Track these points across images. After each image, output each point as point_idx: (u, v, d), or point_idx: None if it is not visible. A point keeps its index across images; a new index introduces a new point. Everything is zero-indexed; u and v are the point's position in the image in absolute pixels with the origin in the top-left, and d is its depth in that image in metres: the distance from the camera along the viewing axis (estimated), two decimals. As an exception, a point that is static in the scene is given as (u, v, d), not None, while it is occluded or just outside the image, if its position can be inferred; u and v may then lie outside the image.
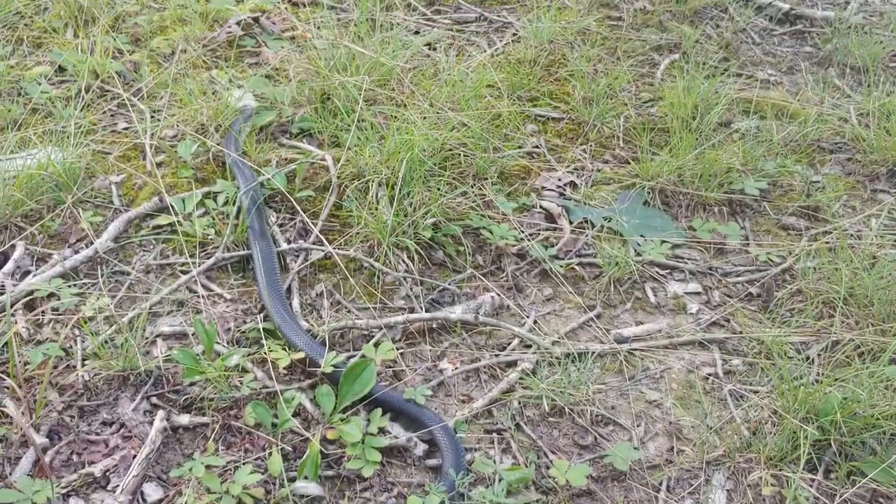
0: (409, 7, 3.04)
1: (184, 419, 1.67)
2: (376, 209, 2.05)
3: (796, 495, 1.60)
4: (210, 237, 2.02)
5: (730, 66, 2.89)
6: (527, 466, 1.63)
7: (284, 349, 1.76)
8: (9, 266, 1.93)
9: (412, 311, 1.92)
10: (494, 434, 1.70)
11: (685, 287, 2.08)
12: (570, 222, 2.21)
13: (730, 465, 1.68)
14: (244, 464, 1.59)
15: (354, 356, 1.78)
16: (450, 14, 3.07)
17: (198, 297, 1.91)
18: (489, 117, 2.40)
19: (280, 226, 2.09)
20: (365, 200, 2.09)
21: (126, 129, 2.35)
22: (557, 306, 2.01)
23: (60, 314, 1.84)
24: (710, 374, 1.87)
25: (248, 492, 1.53)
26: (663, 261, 2.13)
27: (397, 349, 1.82)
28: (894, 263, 2.05)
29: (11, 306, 1.83)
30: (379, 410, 1.68)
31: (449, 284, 2.00)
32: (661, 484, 1.66)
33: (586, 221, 2.22)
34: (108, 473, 1.57)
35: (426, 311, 1.92)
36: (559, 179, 2.34)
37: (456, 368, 1.81)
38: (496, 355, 1.86)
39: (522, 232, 2.15)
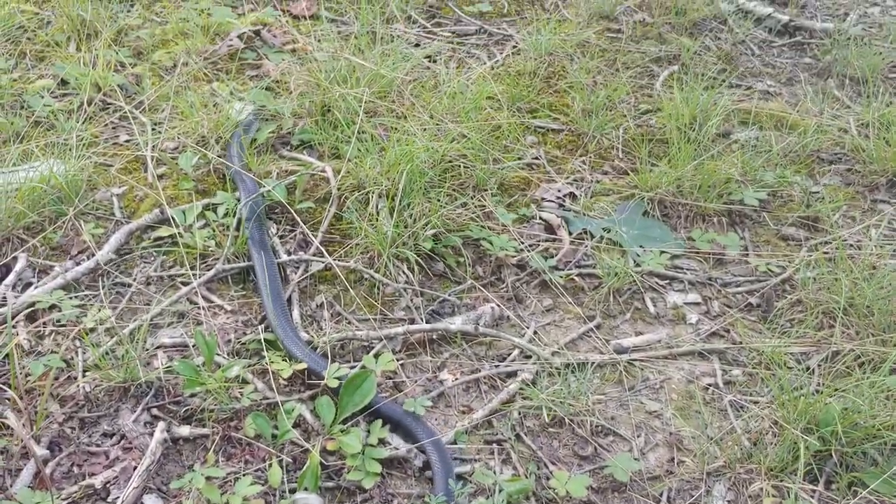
0: (409, 20, 3.06)
1: (184, 430, 1.67)
2: (376, 220, 2.06)
3: (796, 505, 1.60)
4: (210, 249, 2.03)
5: (729, 77, 2.89)
6: (527, 477, 1.64)
7: (286, 360, 1.77)
8: (11, 278, 1.94)
9: (412, 322, 1.93)
10: (494, 445, 1.70)
11: (685, 297, 2.09)
12: (570, 233, 2.21)
13: (730, 476, 1.68)
14: (244, 475, 1.59)
15: (355, 367, 1.78)
16: (450, 27, 3.08)
17: (198, 308, 1.91)
18: (489, 129, 2.41)
19: (280, 237, 2.10)
20: (365, 212, 2.10)
21: (128, 141, 2.36)
22: (557, 317, 2.01)
23: (62, 326, 1.85)
24: (710, 385, 1.88)
25: (249, 503, 1.53)
26: (663, 271, 2.13)
27: (398, 360, 1.83)
28: (894, 274, 2.06)
29: (13, 318, 1.84)
30: (379, 422, 1.68)
31: (449, 295, 2.00)
32: (661, 495, 1.66)
33: (586, 232, 2.22)
34: (108, 485, 1.57)
35: (426, 323, 1.92)
36: (559, 190, 2.35)
37: (456, 379, 1.82)
38: (496, 366, 1.86)
39: (522, 243, 2.15)
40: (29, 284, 1.95)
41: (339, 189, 2.18)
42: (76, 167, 2.17)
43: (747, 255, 2.21)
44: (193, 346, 1.82)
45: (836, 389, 1.75)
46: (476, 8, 3.18)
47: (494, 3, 3.23)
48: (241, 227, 2.04)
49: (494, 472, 1.64)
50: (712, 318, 2.04)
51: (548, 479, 1.65)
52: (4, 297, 1.88)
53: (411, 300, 1.98)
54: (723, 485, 1.67)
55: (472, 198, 2.21)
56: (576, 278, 2.10)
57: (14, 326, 1.83)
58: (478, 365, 1.86)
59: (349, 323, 1.92)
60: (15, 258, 1.99)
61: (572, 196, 2.35)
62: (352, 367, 1.78)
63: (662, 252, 2.17)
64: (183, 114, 2.38)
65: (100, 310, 1.88)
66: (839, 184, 2.49)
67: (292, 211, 2.11)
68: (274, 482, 1.57)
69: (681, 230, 2.28)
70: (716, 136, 2.53)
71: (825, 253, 2.18)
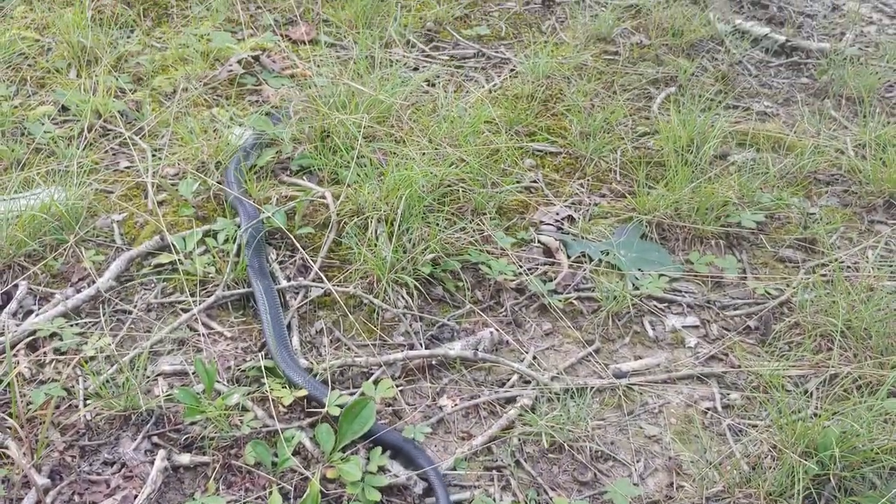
0: (407, 44, 3.08)
1: (185, 459, 1.68)
2: (375, 245, 2.07)
3: (796, 530, 1.61)
4: (210, 275, 2.04)
5: (726, 98, 2.91)
6: None
7: (285, 387, 1.78)
8: (12, 306, 1.95)
9: (411, 347, 1.93)
10: (494, 471, 1.71)
11: (683, 321, 2.09)
12: (568, 256, 2.22)
13: (730, 501, 1.68)
14: (245, 503, 1.59)
15: (355, 394, 1.79)
16: (448, 50, 3.10)
17: (198, 335, 1.92)
18: (487, 153, 2.42)
19: (280, 263, 2.11)
20: (364, 237, 2.11)
21: (128, 167, 2.38)
22: (556, 341, 2.02)
23: (62, 354, 1.86)
24: (708, 409, 1.88)
25: (249, 532, 1.54)
26: (661, 294, 2.14)
27: (397, 386, 1.83)
28: (891, 296, 2.07)
29: (14, 346, 1.85)
30: (379, 449, 1.69)
31: (448, 320, 2.01)
32: (660, 520, 1.66)
33: (584, 255, 2.23)
34: (109, 514, 1.57)
35: (425, 348, 1.93)
36: (557, 214, 2.36)
37: (456, 405, 1.82)
38: (496, 392, 1.87)
39: (521, 267, 2.16)
40: (30, 312, 1.96)
41: (338, 214, 2.19)
42: (77, 194, 2.18)
43: (745, 277, 2.22)
44: (193, 374, 1.83)
45: (834, 413, 1.76)
46: (474, 31, 3.20)
47: (492, 26, 3.25)
48: (241, 254, 2.05)
49: (494, 500, 1.64)
50: (711, 342, 2.05)
51: (547, 505, 1.65)
52: (5, 325, 1.89)
53: (410, 325, 1.98)
54: (722, 510, 1.68)
55: (470, 222, 2.22)
56: (574, 302, 2.11)
57: (15, 355, 1.84)
58: (477, 390, 1.87)
59: (348, 349, 1.93)
60: (16, 286, 2.00)
61: (570, 219, 2.36)
62: (351, 394, 1.79)
63: (661, 275, 2.18)
64: (183, 140, 2.39)
65: (100, 337, 1.88)
66: (836, 205, 2.50)
67: (292, 237, 2.12)
68: (274, 510, 1.58)
69: (679, 253, 2.29)
70: (713, 157, 2.55)
71: (823, 275, 2.19)
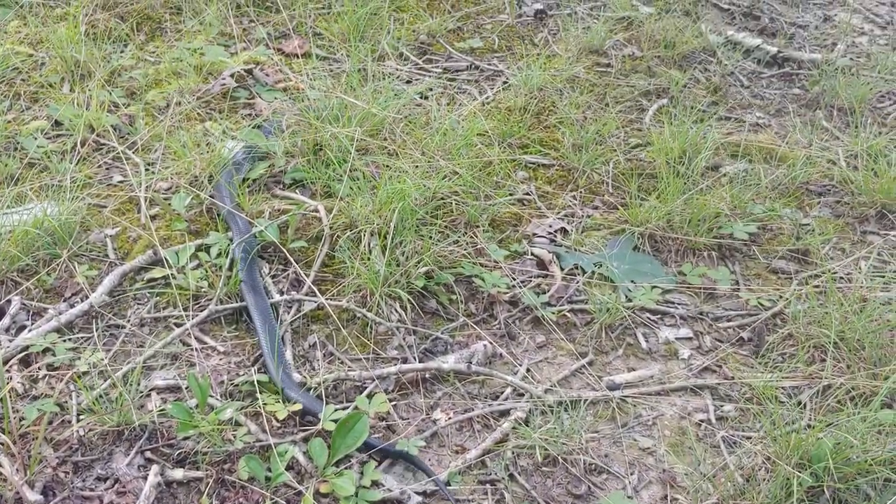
0: (400, 57, 3.08)
1: (178, 474, 1.67)
2: (368, 259, 2.07)
3: (790, 543, 1.60)
4: (203, 290, 2.03)
5: (718, 109, 2.92)
6: (520, 517, 1.64)
7: (279, 402, 1.77)
8: (5, 321, 1.95)
9: (405, 361, 1.93)
10: (488, 485, 1.71)
11: (676, 332, 2.10)
12: (562, 269, 2.23)
13: (723, 513, 1.68)
14: (238, 519, 1.59)
15: (348, 408, 1.79)
16: (441, 63, 3.11)
17: (191, 350, 1.92)
18: (480, 165, 2.43)
19: (273, 277, 2.11)
20: (357, 250, 2.11)
21: (121, 182, 2.38)
22: (550, 353, 2.02)
23: (56, 369, 1.85)
24: (702, 420, 1.88)
25: (242, 547, 1.53)
26: (654, 306, 2.14)
27: (390, 400, 1.83)
28: (884, 306, 2.07)
29: (7, 362, 1.85)
30: (373, 464, 1.69)
31: (442, 333, 2.01)
32: (655, 533, 1.66)
33: (577, 268, 2.23)
34: (101, 531, 1.57)
35: (419, 361, 1.93)
36: (550, 226, 2.37)
37: (449, 419, 1.82)
38: (489, 405, 1.87)
39: (514, 279, 2.17)
40: (23, 327, 1.96)
41: (331, 228, 2.19)
42: (70, 209, 2.18)
43: (738, 289, 2.23)
44: (187, 388, 1.82)
45: (828, 424, 1.76)
46: (467, 44, 3.21)
47: (485, 39, 3.26)
48: (234, 268, 2.05)
49: (488, 513, 1.64)
50: (704, 353, 2.05)
51: (541, 518, 1.65)
52: (-2, 341, 1.89)
53: (404, 339, 1.98)
54: (716, 522, 1.68)
55: (463, 235, 2.22)
56: (568, 314, 2.11)
57: (8, 370, 1.83)
58: (471, 404, 1.87)
59: (342, 363, 1.93)
60: (9, 301, 2.00)
61: (563, 231, 2.36)
62: (345, 408, 1.78)
63: (654, 287, 2.18)
64: (176, 154, 2.39)
65: (93, 352, 1.88)
66: (829, 216, 2.51)
67: (284, 250, 2.12)
68: (267, 526, 1.57)
69: (671, 264, 2.29)
70: (705, 169, 2.55)
71: (816, 286, 2.19)
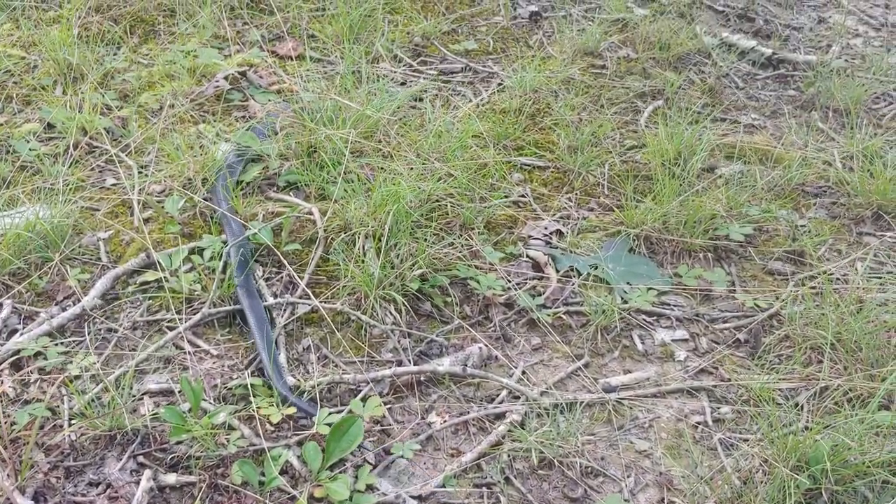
0: (395, 59, 3.07)
1: (171, 478, 1.66)
2: (363, 262, 2.06)
3: (788, 545, 1.59)
4: (196, 293, 2.02)
5: (713, 111, 2.91)
6: (516, 521, 1.63)
7: (273, 405, 1.76)
8: (-4, 325, 1.94)
9: (400, 364, 1.92)
10: (484, 488, 1.69)
11: (672, 334, 2.09)
12: (557, 271, 2.21)
13: (721, 516, 1.67)
14: (231, 523, 1.58)
15: (343, 411, 1.77)
16: (436, 65, 3.10)
17: (184, 353, 1.90)
18: (475, 167, 2.42)
19: (266, 280, 2.10)
20: (352, 253, 2.09)
21: (114, 185, 2.36)
22: (546, 356, 2.01)
23: (47, 373, 1.84)
24: (699, 423, 1.87)
25: (235, 552, 1.52)
26: (650, 308, 2.13)
27: (385, 403, 1.82)
28: (881, 307, 2.06)
29: (-2, 366, 1.83)
30: (367, 468, 1.67)
31: (437, 336, 2.00)
32: (651, 536, 1.65)
33: (573, 270, 2.22)
34: (93, 536, 1.55)
35: (414, 364, 1.92)
36: (545, 228, 2.36)
37: (445, 422, 1.81)
38: (485, 407, 1.85)
39: (509, 281, 2.16)
40: (14, 331, 1.94)
41: (325, 230, 2.18)
42: (62, 212, 2.16)
43: (734, 290, 2.22)
44: (179, 392, 1.81)
45: (825, 426, 1.75)
46: (461, 46, 3.20)
47: (480, 41, 3.26)
48: (228, 271, 2.04)
49: (483, 517, 1.63)
50: (700, 355, 2.04)
51: (537, 522, 1.64)
52: (-11, 345, 1.87)
53: (399, 342, 1.97)
54: (713, 525, 1.67)
55: (458, 237, 2.21)
56: (563, 316, 2.10)
57: (-1, 375, 1.82)
58: (466, 407, 1.85)
59: (336, 366, 1.91)
60: (0, 305, 1.98)
61: (559, 233, 2.35)
62: (339, 412, 1.77)
63: (649, 289, 2.17)
64: (169, 156, 2.38)
65: (85, 356, 1.87)
66: (825, 217, 2.50)
67: (279, 253, 2.11)
68: (261, 530, 1.56)
69: (667, 266, 2.28)
70: (701, 171, 2.55)
71: (812, 288, 2.18)
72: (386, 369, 1.88)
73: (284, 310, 2.01)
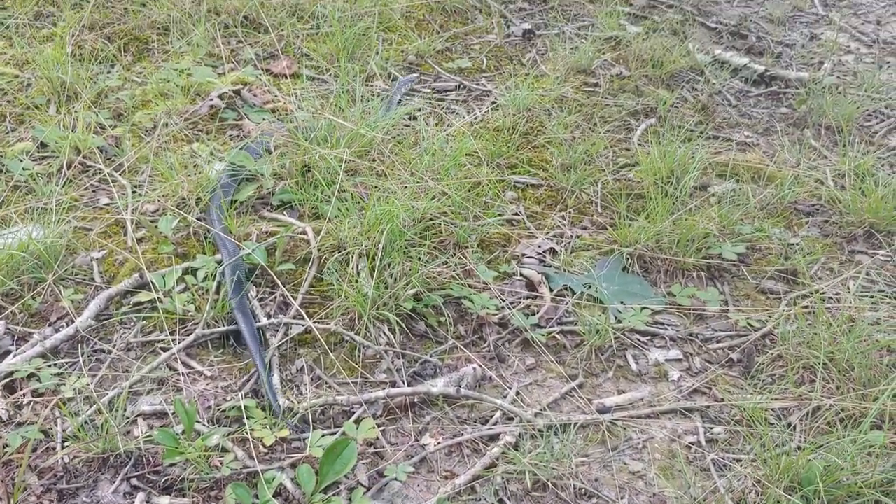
0: (389, 77, 3.08)
1: (164, 501, 1.65)
2: (357, 281, 2.06)
3: (781, 567, 1.59)
4: (190, 313, 2.02)
5: (706, 129, 2.93)
6: (510, 543, 1.62)
7: (268, 428, 1.76)
8: (-11, 347, 1.93)
9: (394, 385, 1.92)
10: (477, 510, 1.69)
11: (666, 354, 2.09)
12: (551, 290, 2.22)
13: (714, 537, 1.67)
14: (224, 547, 1.57)
15: (336, 433, 1.77)
16: (430, 83, 3.11)
17: (178, 374, 1.90)
18: (469, 186, 2.42)
19: (260, 300, 2.09)
20: (345, 272, 2.10)
21: (108, 204, 2.36)
22: (540, 376, 2.01)
23: (40, 395, 1.83)
24: (692, 443, 1.87)
25: (229, 577, 1.51)
26: (644, 328, 2.13)
27: (378, 425, 1.82)
28: (873, 326, 2.07)
29: (-10, 388, 1.83)
30: (361, 490, 1.67)
31: (431, 356, 2.00)
32: (645, 558, 1.65)
33: (566, 289, 2.23)
34: (86, 560, 1.55)
35: (408, 385, 1.91)
36: (539, 246, 2.36)
37: (439, 443, 1.81)
38: (479, 429, 1.85)
39: (503, 301, 2.16)
40: (7, 352, 1.94)
41: (319, 250, 2.18)
42: (55, 232, 2.16)
43: (727, 309, 2.22)
44: (173, 414, 1.81)
45: (818, 446, 1.75)
46: (455, 64, 3.21)
47: (473, 59, 3.27)
48: (222, 291, 2.04)
49: (477, 539, 1.63)
50: (694, 375, 2.04)
51: (531, 544, 1.64)
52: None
53: (392, 362, 1.97)
54: (707, 547, 1.67)
55: (452, 256, 2.22)
56: (557, 336, 2.11)
57: (-8, 397, 1.82)
58: (460, 428, 1.85)
59: (329, 387, 1.91)
60: (-7, 326, 1.98)
61: (552, 252, 2.36)
62: (333, 434, 1.77)
63: (643, 308, 2.18)
64: (163, 175, 2.38)
65: (79, 378, 1.86)
66: (817, 235, 2.51)
67: (272, 273, 2.11)
68: (254, 554, 1.56)
69: (661, 285, 2.29)
70: (693, 189, 2.55)
71: (804, 307, 2.19)
72: (380, 391, 1.88)
73: (278, 330, 2.01)
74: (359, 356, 1.98)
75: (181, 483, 1.68)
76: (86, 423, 1.76)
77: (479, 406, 1.91)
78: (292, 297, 2.08)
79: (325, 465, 1.67)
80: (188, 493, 1.67)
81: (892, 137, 3.03)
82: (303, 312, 2.03)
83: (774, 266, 2.35)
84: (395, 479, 1.70)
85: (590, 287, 2.22)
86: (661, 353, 2.09)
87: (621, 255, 2.32)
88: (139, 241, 2.22)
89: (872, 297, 2.25)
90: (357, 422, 1.80)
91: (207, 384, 1.89)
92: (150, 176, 2.44)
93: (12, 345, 1.96)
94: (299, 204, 2.37)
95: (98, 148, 2.52)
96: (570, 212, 2.51)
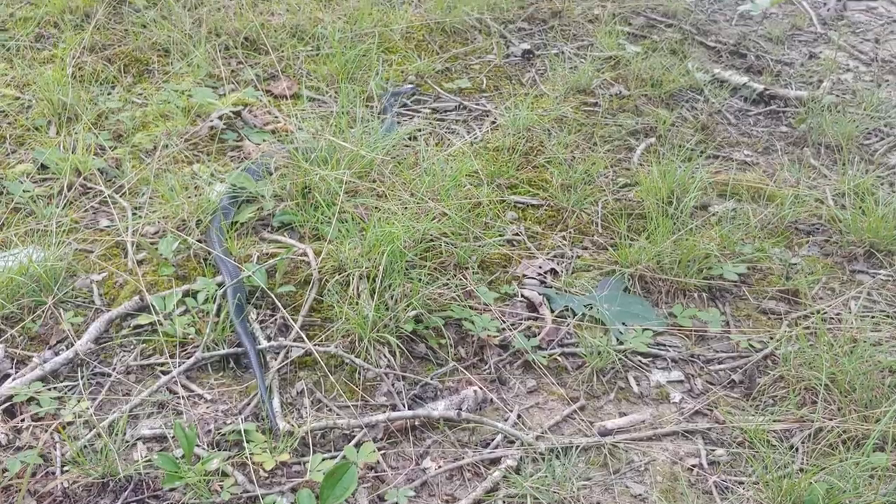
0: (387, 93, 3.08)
1: (163, 527, 1.65)
2: (357, 303, 2.06)
3: (785, 592, 1.58)
4: (190, 336, 2.02)
5: (706, 148, 2.93)
6: (512, 568, 1.61)
7: (268, 452, 1.75)
8: (-12, 370, 1.93)
9: (394, 408, 1.91)
10: (479, 535, 1.68)
11: (668, 376, 2.08)
12: (552, 311, 2.21)
13: (717, 561, 1.66)
14: (224, 573, 1.57)
15: (336, 457, 1.77)
16: (430, 103, 3.12)
17: (178, 398, 1.89)
18: (469, 206, 2.42)
19: (261, 322, 2.09)
20: (346, 294, 2.09)
21: (108, 226, 2.36)
22: (541, 399, 2.00)
23: (40, 419, 1.83)
24: (694, 466, 1.86)
25: None
26: (645, 349, 2.13)
27: (379, 449, 1.81)
28: (874, 347, 2.07)
29: (-10, 412, 1.82)
30: (361, 515, 1.67)
31: (431, 379, 1.99)
32: (648, 583, 1.64)
33: (567, 310, 2.22)
34: (85, 587, 1.54)
35: (408, 408, 1.91)
36: (540, 267, 2.36)
37: (440, 467, 1.80)
38: (480, 452, 1.84)
39: (504, 322, 2.15)
40: (7, 376, 1.93)
41: (319, 271, 2.18)
42: (56, 254, 2.16)
43: (729, 330, 2.22)
44: (173, 438, 1.80)
45: (820, 469, 1.74)
46: (455, 84, 3.22)
47: (473, 79, 3.28)
48: (223, 314, 2.04)
49: (479, 564, 1.62)
50: (695, 397, 2.04)
51: (533, 569, 1.62)
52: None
53: (393, 385, 1.96)
54: (710, 571, 1.66)
55: (453, 277, 2.21)
56: (559, 358, 2.10)
57: (-9, 421, 1.81)
58: (461, 452, 1.85)
59: (330, 410, 1.90)
60: (-7, 349, 1.97)
61: (553, 272, 2.35)
62: (333, 458, 1.76)
63: (645, 329, 2.17)
64: (163, 197, 2.38)
65: (79, 401, 1.86)
66: (818, 255, 2.51)
67: (273, 295, 2.10)
68: (255, 580, 1.55)
69: (662, 306, 2.28)
70: (694, 209, 2.55)
71: (806, 328, 2.18)
72: (380, 414, 1.88)
73: (279, 353, 2.01)
74: (359, 379, 1.97)
75: (181, 508, 1.68)
76: (85, 447, 1.75)
77: (480, 429, 1.90)
78: (293, 319, 2.08)
79: (325, 490, 1.66)
80: (188, 518, 1.66)
81: (891, 156, 3.03)
82: (303, 335, 2.03)
83: (775, 286, 2.35)
84: (396, 503, 1.69)
85: (591, 308, 2.21)
86: (662, 374, 2.09)
87: (622, 276, 2.32)
88: (139, 263, 2.22)
89: (874, 317, 2.25)
90: (357, 445, 1.79)
91: (207, 407, 1.89)
92: (150, 198, 2.44)
93: (12, 368, 1.95)
94: (300, 225, 2.37)
95: (98, 170, 2.52)
96: (570, 232, 2.51)
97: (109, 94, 2.94)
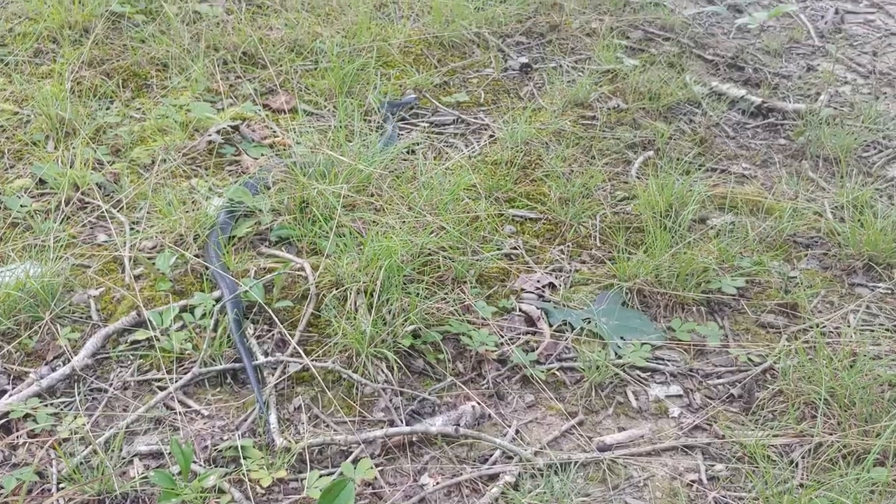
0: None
1: (160, 544, 1.64)
2: (355, 318, 2.05)
3: None
4: (187, 352, 2.01)
5: (704, 161, 2.93)
6: (510, 585, 1.60)
7: (265, 468, 1.75)
8: (-16, 387, 1.92)
9: (392, 423, 1.90)
10: (477, 552, 1.68)
11: (666, 390, 2.08)
12: (550, 325, 2.21)
13: (717, 578, 1.65)
14: (221, 591, 1.56)
15: (333, 474, 1.76)
16: (428, 117, 3.12)
17: (175, 413, 1.89)
18: (467, 220, 2.42)
19: (258, 337, 2.08)
20: (343, 309, 2.09)
21: (106, 241, 2.36)
22: (539, 414, 2.00)
23: (36, 436, 1.82)
24: (693, 481, 1.85)
25: None
26: (644, 363, 2.12)
27: (376, 465, 1.80)
28: (874, 361, 2.06)
29: (-14, 429, 1.82)
30: (358, 532, 1.66)
31: (429, 394, 1.99)
32: None
33: (566, 324, 2.22)
34: None
35: (406, 424, 1.90)
36: (538, 281, 2.35)
37: (437, 483, 1.79)
38: (478, 468, 1.83)
39: (502, 336, 2.15)
40: (3, 392, 1.93)
41: (317, 286, 2.18)
42: (53, 270, 2.16)
43: (728, 344, 2.21)
44: (170, 454, 1.79)
45: (820, 484, 1.73)
46: (453, 98, 3.22)
47: (471, 93, 3.28)
48: (221, 329, 2.03)
49: (477, 582, 1.61)
50: (694, 411, 2.03)
51: (532, 586, 1.62)
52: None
53: (390, 400, 1.96)
54: (710, 588, 1.65)
55: (451, 291, 2.21)
56: (557, 373, 2.09)
57: (-13, 438, 1.80)
58: (459, 468, 1.84)
59: (327, 426, 1.90)
60: (-11, 365, 1.97)
61: (551, 286, 2.35)
62: (330, 474, 1.76)
63: (643, 343, 2.16)
64: (161, 212, 2.38)
65: (75, 418, 1.85)
66: (816, 268, 2.50)
67: (270, 311, 2.10)
68: None
69: (660, 320, 2.28)
70: (692, 222, 2.55)
71: (805, 342, 2.18)
72: (377, 430, 1.87)
73: (276, 369, 2.00)
74: (357, 394, 1.96)
75: (177, 525, 1.67)
76: (82, 463, 1.74)
77: (478, 444, 1.90)
78: (290, 334, 2.07)
79: (322, 507, 1.65)
80: (184, 535, 1.65)
81: (890, 168, 3.03)
82: (300, 350, 2.02)
83: (774, 300, 2.34)
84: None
85: (589, 322, 2.21)
86: (661, 389, 2.08)
87: (620, 290, 2.31)
88: (137, 278, 2.22)
89: (873, 330, 2.24)
90: (355, 461, 1.78)
91: (204, 423, 1.88)
92: (148, 212, 2.43)
93: (8, 384, 1.95)
94: (297, 240, 2.37)
95: (96, 184, 2.52)
96: (568, 246, 2.50)
97: (108, 108, 2.94)
